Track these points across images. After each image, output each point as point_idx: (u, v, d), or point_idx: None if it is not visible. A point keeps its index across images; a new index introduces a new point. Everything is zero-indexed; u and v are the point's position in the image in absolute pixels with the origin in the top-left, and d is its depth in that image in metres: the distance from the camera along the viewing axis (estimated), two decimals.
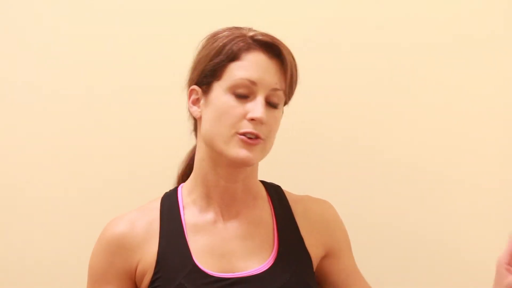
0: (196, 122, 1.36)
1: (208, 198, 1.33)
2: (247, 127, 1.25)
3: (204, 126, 1.30)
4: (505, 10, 1.73)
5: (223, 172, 1.31)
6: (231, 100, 1.26)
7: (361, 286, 1.41)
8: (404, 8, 1.73)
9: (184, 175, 1.41)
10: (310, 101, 1.63)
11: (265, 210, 1.37)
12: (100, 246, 1.32)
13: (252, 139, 1.26)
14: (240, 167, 1.30)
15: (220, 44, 1.28)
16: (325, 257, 1.39)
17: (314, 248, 1.36)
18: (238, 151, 1.25)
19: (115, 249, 1.30)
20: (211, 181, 1.32)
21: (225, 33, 1.31)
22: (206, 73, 1.29)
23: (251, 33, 1.29)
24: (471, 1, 1.74)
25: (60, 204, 1.70)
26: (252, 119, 1.25)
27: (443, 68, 1.72)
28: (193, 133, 1.39)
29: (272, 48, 1.28)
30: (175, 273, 1.26)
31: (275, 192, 1.41)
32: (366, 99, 1.72)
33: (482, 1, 1.74)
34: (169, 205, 1.34)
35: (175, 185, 1.41)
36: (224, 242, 1.31)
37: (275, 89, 1.28)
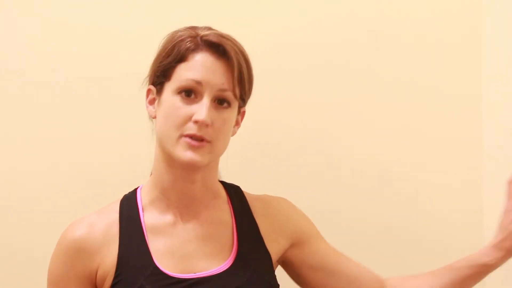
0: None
1: (166, 199, 1.33)
2: (192, 130, 1.25)
3: (156, 126, 1.31)
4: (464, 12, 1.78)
5: (178, 172, 1.30)
6: (177, 101, 1.26)
7: (343, 261, 1.42)
8: (360, 6, 1.77)
9: None
10: (266, 101, 1.65)
11: (224, 210, 1.37)
12: (59, 250, 1.31)
13: (197, 142, 1.25)
14: (188, 169, 1.29)
15: (170, 45, 1.29)
16: (292, 246, 1.40)
17: (275, 244, 1.38)
18: (184, 154, 1.25)
19: (74, 253, 1.29)
20: (167, 182, 1.32)
21: (179, 33, 1.31)
22: (158, 74, 1.30)
23: (203, 33, 1.29)
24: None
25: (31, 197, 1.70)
26: (196, 121, 1.25)
27: (406, 66, 1.76)
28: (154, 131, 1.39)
29: (219, 48, 1.28)
30: (136, 276, 1.26)
31: (234, 192, 1.41)
32: (324, 98, 1.75)
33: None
34: (128, 207, 1.33)
35: None
36: (184, 244, 1.31)
37: (223, 90, 1.27)
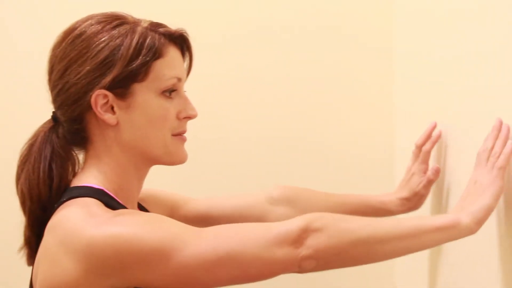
0: (87, 127, 1.20)
1: (131, 199, 1.24)
2: (183, 127, 1.23)
3: (128, 132, 1.18)
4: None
5: (143, 173, 1.25)
6: (164, 102, 1.19)
7: (221, 202, 1.46)
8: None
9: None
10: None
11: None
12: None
13: (184, 136, 1.24)
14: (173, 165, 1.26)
15: (135, 43, 1.16)
16: (172, 214, 1.38)
17: None
18: (180, 152, 1.23)
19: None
20: (131, 184, 1.23)
21: (119, 29, 1.17)
22: (122, 77, 1.15)
23: (156, 23, 1.21)
24: None
25: None
26: (187, 117, 1.22)
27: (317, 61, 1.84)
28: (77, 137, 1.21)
29: (181, 41, 1.23)
30: None
31: None
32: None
33: None
34: (109, 203, 1.16)
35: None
36: None
37: (184, 82, 1.25)
